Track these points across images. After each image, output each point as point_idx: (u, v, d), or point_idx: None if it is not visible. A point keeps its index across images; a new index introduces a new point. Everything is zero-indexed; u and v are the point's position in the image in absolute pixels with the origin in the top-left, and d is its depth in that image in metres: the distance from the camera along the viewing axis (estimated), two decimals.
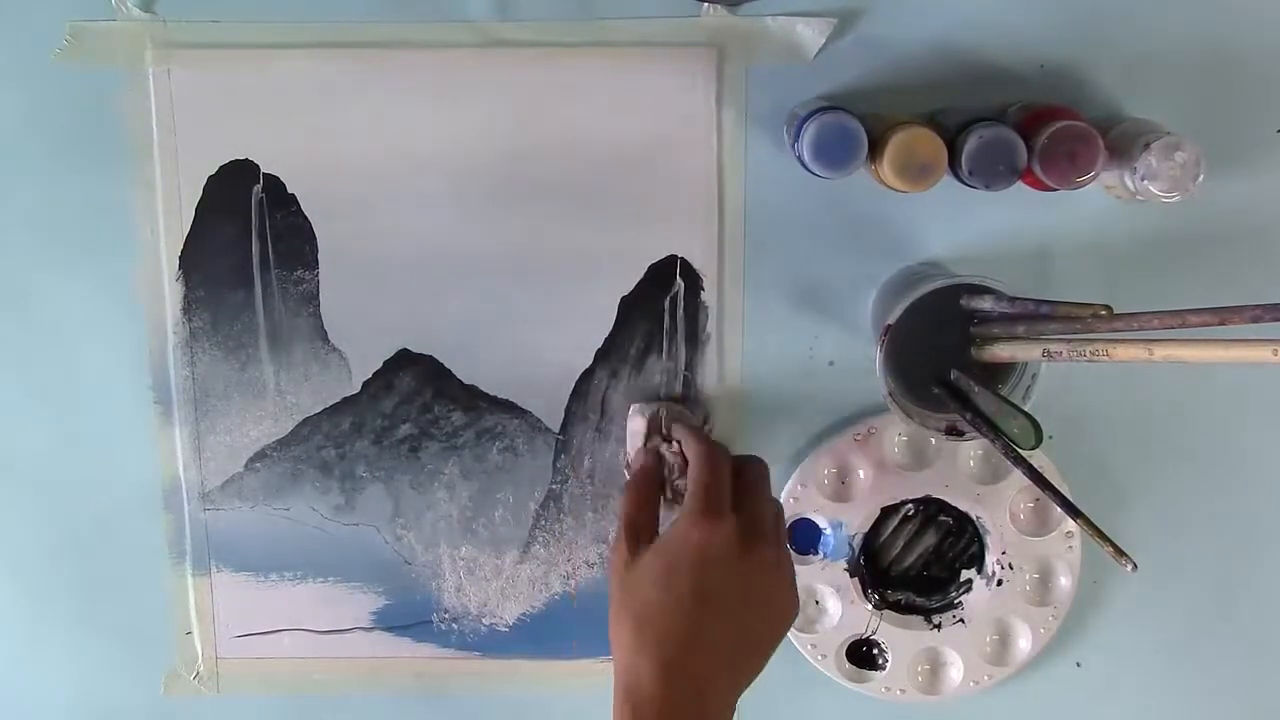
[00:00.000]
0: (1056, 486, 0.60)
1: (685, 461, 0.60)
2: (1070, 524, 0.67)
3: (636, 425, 0.64)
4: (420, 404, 0.68)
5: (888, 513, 0.69)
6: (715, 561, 0.53)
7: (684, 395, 0.67)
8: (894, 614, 0.70)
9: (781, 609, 0.56)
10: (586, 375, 0.67)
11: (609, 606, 0.56)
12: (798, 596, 0.57)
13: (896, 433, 0.67)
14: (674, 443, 0.63)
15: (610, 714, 0.72)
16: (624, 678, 0.53)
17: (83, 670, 0.71)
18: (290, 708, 0.72)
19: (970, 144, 0.57)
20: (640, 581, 0.54)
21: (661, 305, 0.67)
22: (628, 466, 0.65)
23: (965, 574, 0.70)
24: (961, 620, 0.69)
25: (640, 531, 0.56)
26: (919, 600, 0.70)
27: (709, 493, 0.55)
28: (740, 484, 0.58)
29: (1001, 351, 0.60)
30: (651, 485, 0.59)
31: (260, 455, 0.69)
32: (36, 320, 0.67)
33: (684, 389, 0.67)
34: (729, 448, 0.61)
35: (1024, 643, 0.69)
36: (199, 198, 0.65)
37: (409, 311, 0.67)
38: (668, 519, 0.60)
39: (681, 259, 0.66)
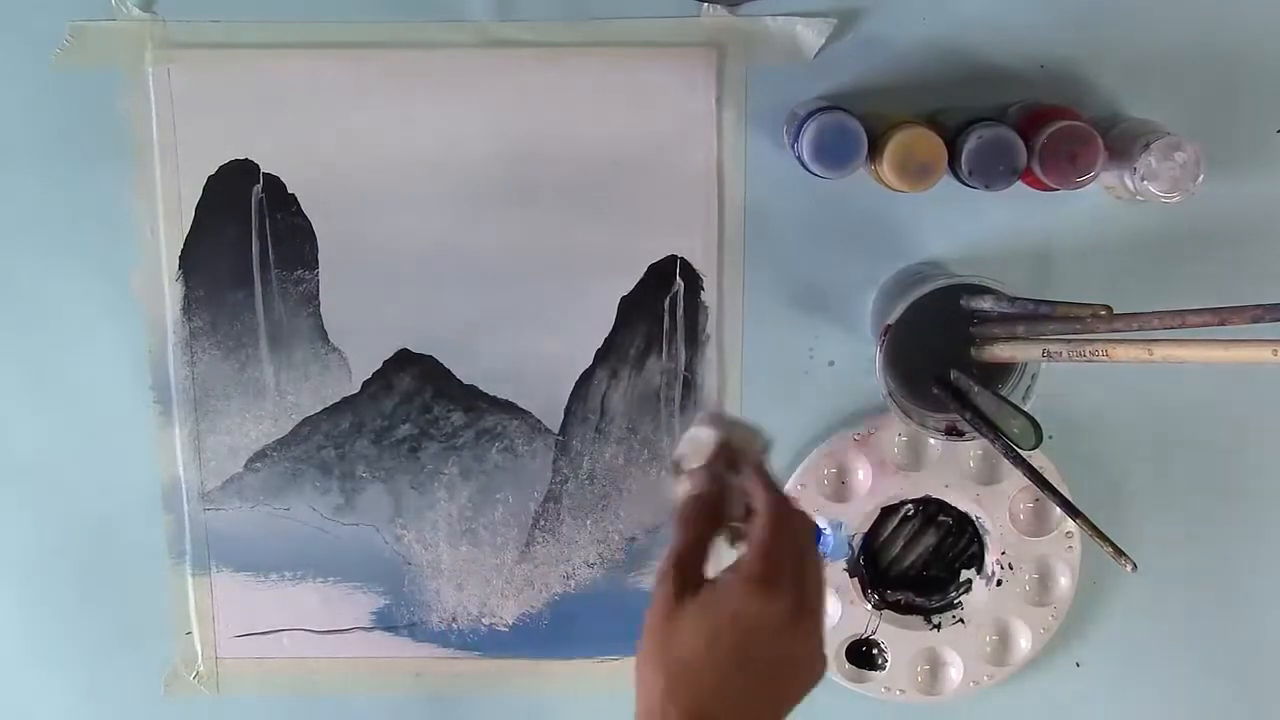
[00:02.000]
0: (1056, 487, 0.60)
1: (747, 504, 0.55)
2: (1070, 524, 0.67)
3: (704, 436, 0.57)
4: (420, 404, 0.68)
5: (887, 513, 0.69)
6: (765, 633, 0.52)
7: (732, 417, 0.61)
8: (894, 614, 0.70)
9: (813, 673, 0.55)
10: (586, 375, 0.67)
11: (642, 643, 0.53)
12: (826, 657, 0.55)
13: (896, 433, 0.67)
14: (739, 474, 0.56)
15: (609, 715, 0.72)
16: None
17: (83, 670, 0.71)
18: (290, 708, 0.72)
19: (970, 144, 0.57)
20: (682, 630, 0.52)
21: (661, 305, 0.67)
22: (676, 467, 0.58)
23: (965, 574, 0.70)
24: (961, 620, 0.69)
25: (689, 573, 0.53)
26: (919, 600, 0.70)
27: (772, 560, 0.52)
28: (799, 550, 0.54)
29: (1001, 351, 0.60)
30: (709, 522, 0.55)
31: (260, 455, 0.69)
32: (36, 320, 0.67)
33: (684, 390, 0.67)
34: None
35: (1024, 643, 0.69)
36: (199, 198, 0.65)
37: (409, 311, 0.67)
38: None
39: (681, 259, 0.66)
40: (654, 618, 0.53)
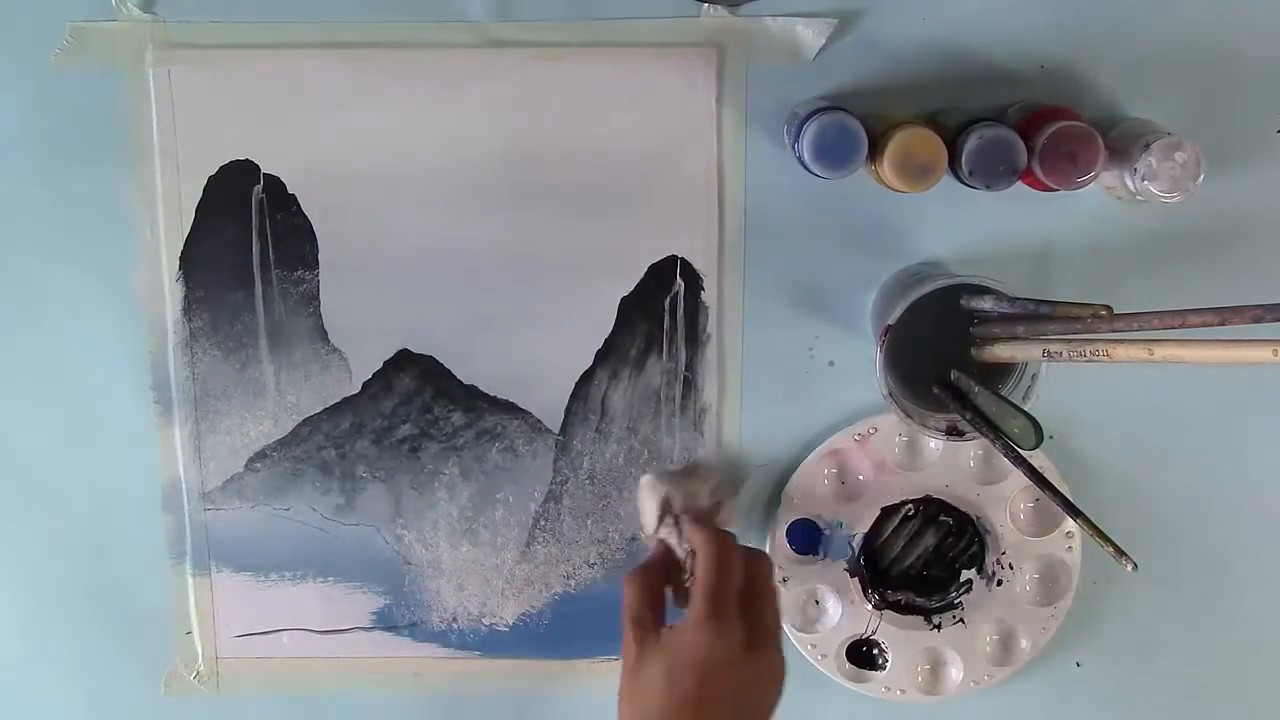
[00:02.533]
0: (1057, 486, 0.60)
1: (693, 554, 0.58)
2: (1070, 524, 0.67)
3: (648, 505, 0.61)
4: (420, 404, 0.68)
5: (888, 513, 0.69)
6: (719, 667, 0.54)
7: (692, 462, 0.67)
8: (894, 614, 0.70)
9: (774, 699, 0.57)
10: (586, 375, 0.67)
11: (619, 702, 0.56)
12: (784, 678, 0.58)
13: (896, 433, 0.67)
14: (682, 529, 0.59)
15: (609, 715, 0.72)
16: None
17: (83, 670, 0.71)
18: (290, 708, 0.72)
19: (970, 144, 0.57)
20: (647, 679, 0.55)
21: (661, 305, 0.67)
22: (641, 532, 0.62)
23: (965, 574, 0.70)
24: (961, 620, 0.69)
25: (646, 626, 0.56)
26: (919, 600, 0.70)
27: (715, 598, 0.55)
28: (746, 583, 0.57)
29: (1001, 352, 0.60)
30: (657, 578, 0.58)
31: (260, 455, 0.69)
32: (37, 320, 0.67)
33: (684, 390, 0.67)
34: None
35: (1024, 643, 0.69)
36: (199, 198, 0.65)
37: (409, 311, 0.67)
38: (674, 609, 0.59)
39: (681, 259, 0.66)
40: (623, 671, 0.57)
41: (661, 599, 0.58)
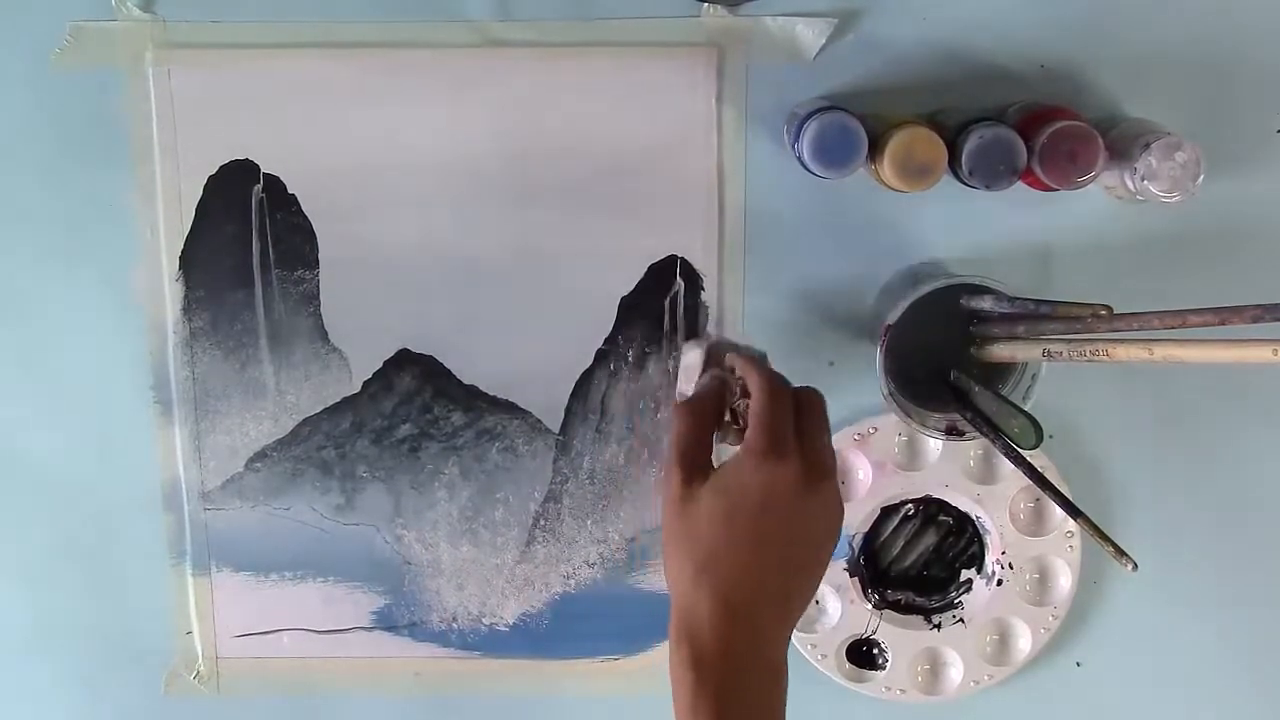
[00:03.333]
0: (1057, 486, 0.60)
1: (745, 391, 0.57)
2: (1070, 524, 0.67)
3: (692, 359, 0.60)
4: (420, 404, 0.68)
5: (888, 512, 0.69)
6: (779, 504, 0.52)
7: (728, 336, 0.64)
8: (894, 614, 0.70)
9: (834, 535, 0.55)
10: (586, 375, 0.67)
11: (664, 539, 0.54)
12: (843, 514, 0.56)
13: (896, 433, 0.67)
14: (733, 372, 0.59)
15: (609, 715, 0.72)
16: (682, 615, 0.52)
17: (83, 670, 0.71)
18: (290, 708, 0.72)
19: (970, 144, 0.57)
20: (699, 519, 0.53)
21: (661, 305, 0.67)
22: (680, 399, 0.60)
23: (965, 574, 0.70)
24: (961, 620, 0.69)
25: (696, 462, 0.54)
26: (919, 600, 0.70)
27: (773, 431, 0.53)
28: (799, 419, 0.55)
29: (1001, 351, 0.60)
30: (709, 414, 0.56)
31: (260, 455, 0.69)
32: (37, 320, 0.67)
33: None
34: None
35: (1024, 643, 0.69)
36: (199, 198, 0.65)
37: (409, 311, 0.67)
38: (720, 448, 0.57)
39: (681, 259, 0.66)
40: (669, 509, 0.54)
41: (711, 436, 0.56)
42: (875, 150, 0.58)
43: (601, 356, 0.67)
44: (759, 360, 0.58)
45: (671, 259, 0.66)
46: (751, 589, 0.52)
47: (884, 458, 0.68)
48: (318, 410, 0.68)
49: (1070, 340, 0.55)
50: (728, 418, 0.58)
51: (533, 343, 0.67)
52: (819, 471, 0.54)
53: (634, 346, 0.67)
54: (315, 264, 0.66)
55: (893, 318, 0.60)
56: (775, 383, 0.55)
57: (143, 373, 0.68)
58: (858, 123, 0.58)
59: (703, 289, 0.66)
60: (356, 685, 0.71)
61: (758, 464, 0.53)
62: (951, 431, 0.62)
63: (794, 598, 0.54)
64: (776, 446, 0.53)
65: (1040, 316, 0.57)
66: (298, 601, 0.70)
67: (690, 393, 0.59)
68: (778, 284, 0.66)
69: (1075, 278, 0.65)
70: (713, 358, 0.59)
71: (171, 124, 0.64)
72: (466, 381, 0.68)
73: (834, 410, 0.67)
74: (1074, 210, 0.65)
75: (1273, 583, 0.70)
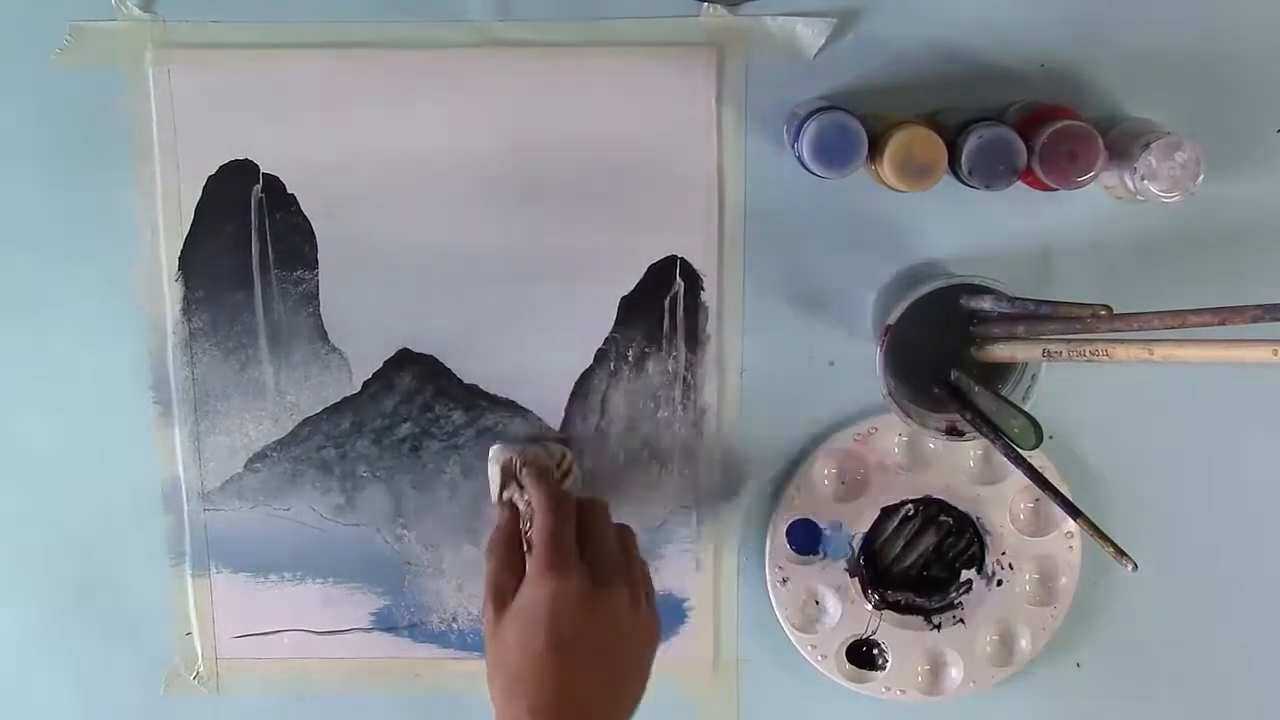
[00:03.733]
0: (1057, 486, 0.60)
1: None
2: (1070, 524, 0.67)
3: (493, 471, 0.64)
4: (420, 403, 0.68)
5: (888, 513, 0.69)
6: (567, 612, 0.55)
7: (544, 434, 0.67)
8: (894, 614, 0.70)
9: (645, 635, 0.58)
10: (586, 375, 0.67)
11: (486, 670, 0.57)
12: (657, 615, 0.59)
13: (897, 433, 0.67)
14: (524, 487, 0.63)
15: None
16: None
17: (83, 670, 0.71)
18: (290, 708, 0.72)
19: (970, 144, 0.57)
20: (505, 643, 0.56)
21: (662, 305, 0.67)
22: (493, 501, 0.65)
23: (965, 574, 0.70)
24: (961, 620, 0.69)
25: (504, 592, 0.57)
26: (919, 600, 0.70)
27: (552, 546, 0.57)
28: (583, 528, 0.59)
29: (1001, 351, 0.60)
30: (509, 544, 0.60)
31: (260, 455, 0.69)
32: (36, 320, 0.67)
33: (684, 390, 0.67)
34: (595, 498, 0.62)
35: (1024, 643, 0.69)
36: (199, 198, 0.65)
37: (409, 311, 0.67)
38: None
39: (682, 259, 0.66)
40: (486, 642, 0.58)
41: (520, 564, 0.59)
42: (875, 150, 0.58)
43: (601, 356, 0.67)
44: (546, 474, 0.62)
45: (671, 259, 0.66)
46: (559, 698, 0.54)
47: (884, 458, 0.68)
48: (318, 410, 0.68)
49: (1070, 340, 0.55)
50: (527, 544, 0.61)
51: (533, 342, 0.67)
52: (603, 576, 0.57)
53: (634, 346, 0.67)
54: (315, 264, 0.66)
55: (893, 318, 0.60)
56: (554, 500, 0.59)
57: (142, 373, 0.68)
58: (857, 123, 0.58)
59: (702, 289, 0.66)
60: (356, 686, 0.71)
61: (542, 582, 0.56)
62: (952, 432, 0.62)
63: (613, 694, 0.56)
64: (557, 563, 0.56)
65: (1040, 316, 0.57)
66: (297, 602, 0.70)
67: (494, 497, 0.64)
68: (778, 284, 0.66)
69: (1075, 278, 0.65)
70: (508, 473, 0.63)
71: (171, 124, 0.64)
72: (467, 381, 0.68)
73: (834, 410, 0.68)
74: (1074, 210, 0.65)
75: (1272, 583, 0.70)
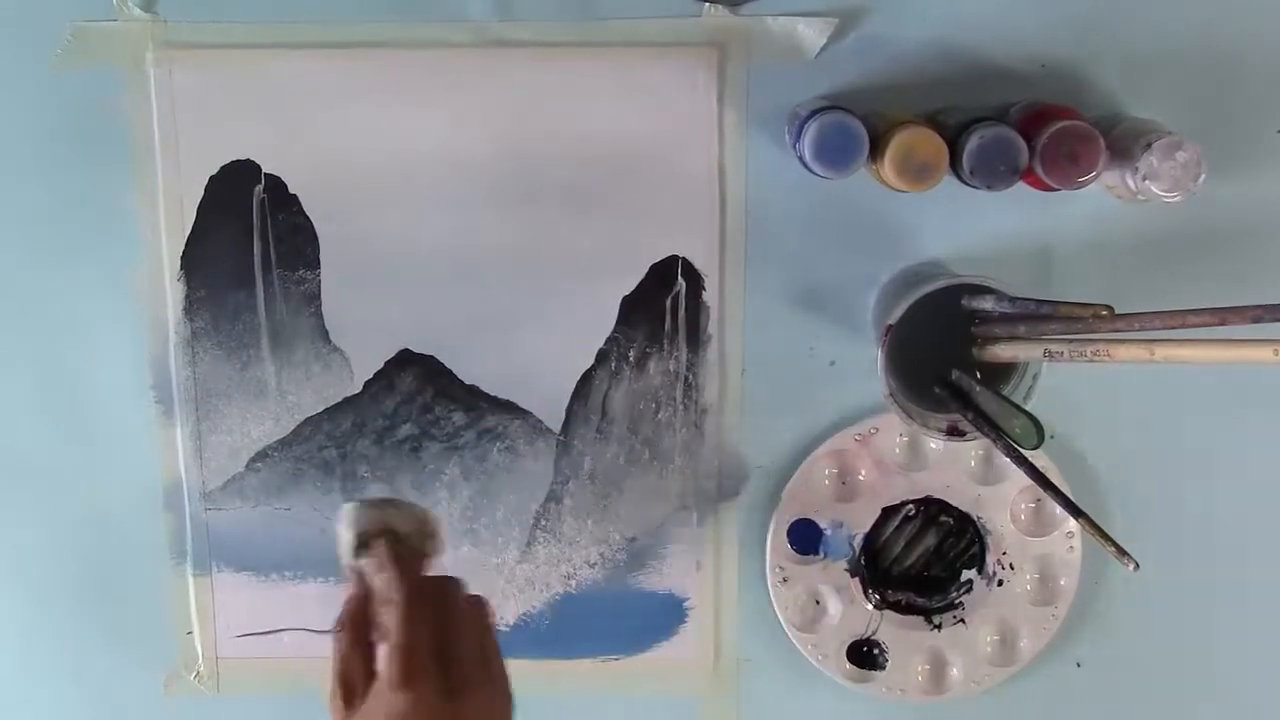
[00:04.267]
0: (1058, 486, 0.60)
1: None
2: (1071, 524, 0.67)
3: (344, 535, 0.56)
4: (421, 404, 0.68)
5: (888, 513, 0.69)
6: None
7: (401, 499, 0.62)
8: (894, 614, 0.70)
9: None
10: (587, 375, 0.67)
11: None
12: (512, 706, 0.55)
13: (897, 433, 0.67)
14: (379, 562, 0.55)
15: (609, 715, 0.72)
16: None
17: (83, 670, 0.71)
18: (290, 708, 0.72)
19: (971, 144, 0.57)
20: None
21: (663, 305, 0.67)
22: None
23: (966, 574, 0.70)
24: (962, 620, 0.69)
25: (352, 686, 0.53)
26: (919, 600, 0.70)
27: (404, 655, 0.52)
28: (440, 627, 0.54)
29: (1002, 351, 0.60)
30: (359, 624, 0.54)
31: (261, 455, 0.69)
32: (37, 320, 0.67)
33: (685, 390, 0.67)
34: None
35: (1024, 643, 0.69)
36: (200, 198, 0.65)
37: (410, 311, 0.67)
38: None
39: (683, 259, 0.66)
40: None
41: (369, 651, 0.54)
42: (876, 150, 0.58)
43: (602, 356, 0.67)
44: (404, 561, 0.55)
45: (673, 259, 0.66)
46: None
47: (885, 458, 0.68)
48: (319, 410, 0.68)
49: (1071, 340, 0.56)
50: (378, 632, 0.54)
51: (534, 342, 0.67)
52: (461, 683, 0.52)
53: (635, 346, 0.67)
54: (316, 264, 0.66)
55: (893, 318, 0.60)
56: (411, 605, 0.53)
57: (143, 373, 0.68)
58: (859, 122, 0.58)
59: (704, 289, 0.66)
60: None
61: (395, 698, 0.51)
62: (953, 432, 0.62)
63: None
64: (410, 674, 0.51)
65: (1041, 316, 0.57)
66: (298, 601, 0.70)
67: (343, 560, 0.57)
68: (778, 283, 0.66)
69: (1076, 278, 0.65)
70: (362, 540, 0.56)
71: (173, 124, 0.64)
72: (468, 381, 0.68)
73: (835, 410, 0.68)
74: (1075, 210, 0.65)
75: (1272, 582, 0.70)
